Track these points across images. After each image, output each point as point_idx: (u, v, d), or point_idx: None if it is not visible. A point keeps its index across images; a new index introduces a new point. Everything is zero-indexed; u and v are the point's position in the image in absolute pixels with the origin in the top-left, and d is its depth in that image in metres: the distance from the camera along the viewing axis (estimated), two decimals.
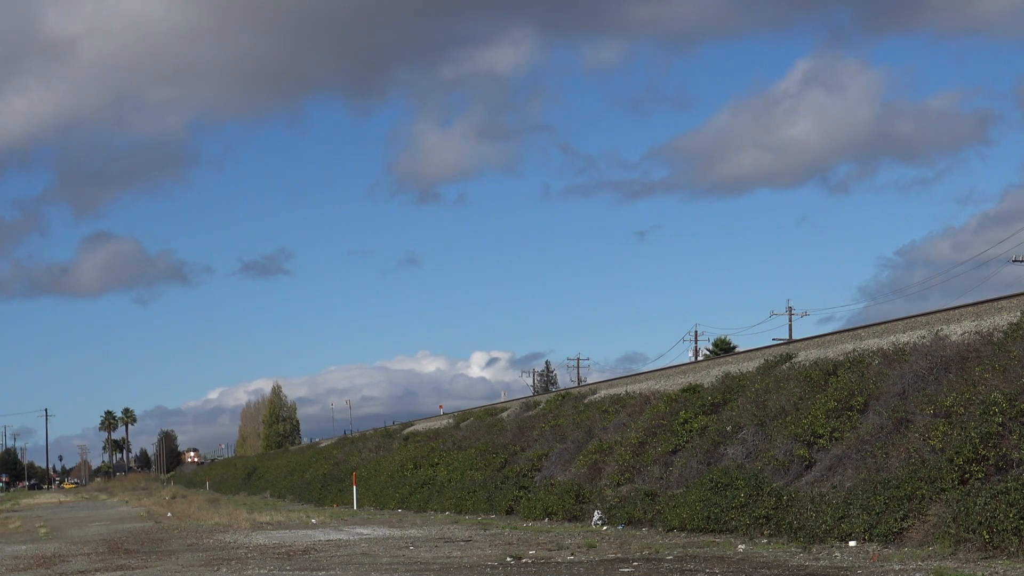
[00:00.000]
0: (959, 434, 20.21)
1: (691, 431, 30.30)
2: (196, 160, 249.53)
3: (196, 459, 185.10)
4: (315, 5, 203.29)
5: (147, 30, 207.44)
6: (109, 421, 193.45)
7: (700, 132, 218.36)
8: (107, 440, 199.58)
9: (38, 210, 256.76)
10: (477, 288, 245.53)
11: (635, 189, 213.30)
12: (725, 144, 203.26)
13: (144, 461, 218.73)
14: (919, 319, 29.12)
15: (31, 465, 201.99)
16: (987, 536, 17.49)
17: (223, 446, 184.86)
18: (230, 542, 29.76)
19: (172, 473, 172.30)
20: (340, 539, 29.36)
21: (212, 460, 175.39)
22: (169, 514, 48.58)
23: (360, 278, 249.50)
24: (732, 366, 35.45)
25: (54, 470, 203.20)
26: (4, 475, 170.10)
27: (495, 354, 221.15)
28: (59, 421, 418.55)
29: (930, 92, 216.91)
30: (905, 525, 19.90)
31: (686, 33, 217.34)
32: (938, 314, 28.59)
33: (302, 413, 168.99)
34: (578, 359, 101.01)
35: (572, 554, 22.23)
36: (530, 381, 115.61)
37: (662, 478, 29.85)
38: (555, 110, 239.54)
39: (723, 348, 73.62)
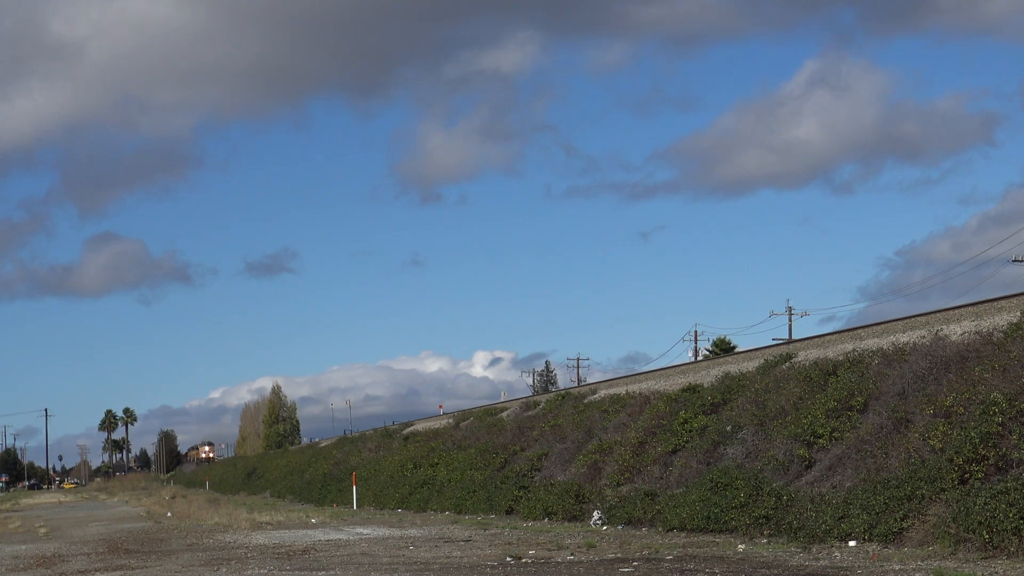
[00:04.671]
0: (959, 434, 20.21)
1: (691, 431, 30.30)
2: (201, 161, 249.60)
3: (211, 453, 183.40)
4: (319, 6, 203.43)
5: (152, 32, 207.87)
6: (109, 421, 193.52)
7: (704, 133, 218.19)
8: (107, 440, 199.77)
9: (43, 211, 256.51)
10: (480, 288, 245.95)
11: (638, 191, 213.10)
12: (729, 145, 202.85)
13: (144, 461, 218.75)
14: (919, 319, 29.12)
15: (31, 465, 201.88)
16: (987, 536, 17.49)
17: (223, 445, 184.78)
18: (230, 542, 29.76)
19: (172, 473, 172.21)
20: (340, 539, 29.35)
21: (212, 460, 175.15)
22: (169, 514, 48.60)
23: (363, 278, 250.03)
24: (732, 366, 35.46)
25: (54, 470, 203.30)
26: (4, 475, 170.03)
27: (498, 354, 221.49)
28: (62, 421, 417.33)
29: (936, 93, 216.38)
30: (905, 525, 19.89)
31: (690, 34, 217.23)
32: (938, 314, 28.59)
33: (305, 413, 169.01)
34: (578, 359, 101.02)
35: (572, 554, 22.23)
36: (531, 381, 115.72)
37: (662, 478, 29.85)
38: (558, 111, 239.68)
39: (723, 348, 73.61)
